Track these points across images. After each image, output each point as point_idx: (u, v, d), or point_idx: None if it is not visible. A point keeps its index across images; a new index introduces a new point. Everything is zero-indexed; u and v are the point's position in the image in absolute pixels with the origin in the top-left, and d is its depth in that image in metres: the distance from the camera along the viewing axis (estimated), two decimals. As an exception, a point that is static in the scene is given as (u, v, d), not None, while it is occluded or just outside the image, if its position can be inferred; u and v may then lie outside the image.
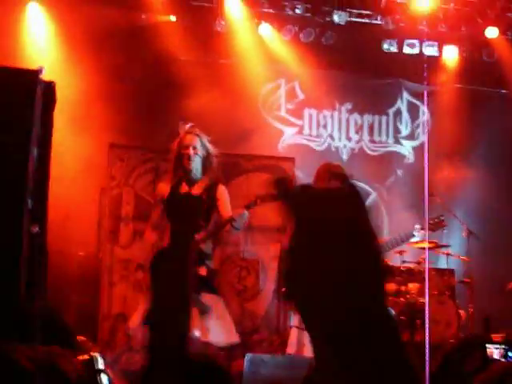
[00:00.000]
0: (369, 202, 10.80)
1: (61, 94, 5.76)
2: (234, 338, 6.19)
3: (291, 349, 6.83)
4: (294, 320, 6.94)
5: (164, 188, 6.35)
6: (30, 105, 5.17)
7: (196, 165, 6.26)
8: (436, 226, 8.66)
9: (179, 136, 6.34)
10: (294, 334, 6.90)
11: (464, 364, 6.24)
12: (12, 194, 5.15)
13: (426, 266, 8.22)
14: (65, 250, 8.64)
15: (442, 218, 8.74)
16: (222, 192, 6.35)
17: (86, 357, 4.11)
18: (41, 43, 9.94)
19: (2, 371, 3.10)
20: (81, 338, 5.50)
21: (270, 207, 7.62)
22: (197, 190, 6.22)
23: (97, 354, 4.42)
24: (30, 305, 5.13)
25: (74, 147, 9.08)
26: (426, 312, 7.27)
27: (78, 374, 3.22)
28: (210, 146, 6.35)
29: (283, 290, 8.56)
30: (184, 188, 6.26)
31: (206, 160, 6.31)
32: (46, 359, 3.06)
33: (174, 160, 6.31)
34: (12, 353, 3.09)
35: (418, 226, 8.39)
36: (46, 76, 5.57)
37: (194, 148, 6.24)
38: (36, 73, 5.31)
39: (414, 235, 8.45)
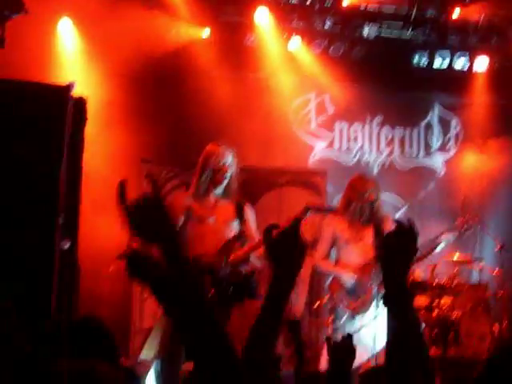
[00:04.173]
0: (400, 215, 10.77)
1: (91, 109, 5.81)
2: None
3: (324, 364, 6.73)
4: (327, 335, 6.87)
5: (187, 198, 6.25)
6: (61, 120, 5.21)
7: (226, 181, 6.22)
8: (462, 225, 8.33)
9: (210, 149, 6.27)
10: (326, 351, 6.82)
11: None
12: (44, 209, 5.18)
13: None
14: (96, 264, 8.64)
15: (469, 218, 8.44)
16: (250, 213, 6.35)
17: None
18: (72, 58, 10.01)
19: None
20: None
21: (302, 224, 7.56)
22: (226, 212, 6.20)
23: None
24: (61, 319, 5.15)
25: (104, 162, 9.10)
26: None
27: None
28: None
29: (316, 305, 8.59)
30: (212, 207, 6.20)
31: (234, 178, 6.27)
32: (88, 371, 3.05)
33: (201, 174, 6.22)
34: (54, 366, 3.08)
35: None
36: (77, 91, 5.61)
37: (227, 164, 6.20)
38: (67, 88, 5.35)
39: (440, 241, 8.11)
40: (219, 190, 6.23)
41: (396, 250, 2.86)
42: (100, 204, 8.77)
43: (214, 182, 6.20)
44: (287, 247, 2.90)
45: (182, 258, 2.46)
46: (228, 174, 6.20)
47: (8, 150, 5.07)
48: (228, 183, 6.23)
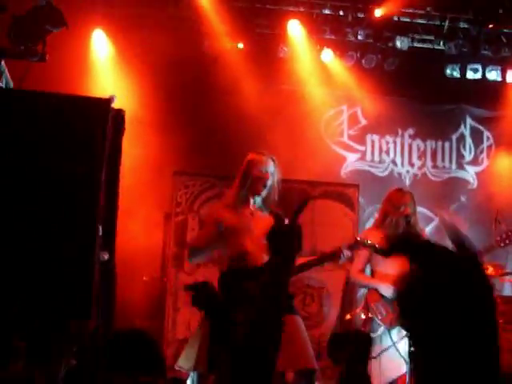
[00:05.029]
0: (431, 228, 10.73)
1: (126, 120, 5.85)
2: (301, 365, 5.70)
3: (377, 381, 6.64)
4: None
5: (221, 210, 5.96)
6: (102, 134, 5.24)
7: (266, 191, 5.94)
8: (503, 241, 8.22)
9: (251, 158, 5.99)
10: None
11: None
12: (84, 221, 5.21)
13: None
14: (129, 274, 8.68)
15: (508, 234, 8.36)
16: None
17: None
18: (106, 70, 10.11)
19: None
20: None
21: (335, 236, 7.65)
22: (264, 224, 6.01)
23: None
24: (101, 331, 5.19)
25: (140, 173, 9.16)
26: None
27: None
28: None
29: (348, 317, 8.59)
30: (248, 219, 5.89)
31: (275, 187, 5.99)
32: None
33: (241, 183, 5.91)
34: (99, 379, 3.13)
35: None
36: (115, 104, 5.66)
37: (269, 172, 5.93)
38: (108, 102, 5.39)
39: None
40: (258, 199, 5.97)
41: None
42: (134, 215, 8.86)
43: (254, 191, 5.92)
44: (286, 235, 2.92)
45: None
46: (269, 183, 5.91)
47: (50, 163, 5.12)
48: (268, 193, 5.96)
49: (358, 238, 6.23)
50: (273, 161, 5.99)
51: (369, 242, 6.31)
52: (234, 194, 5.98)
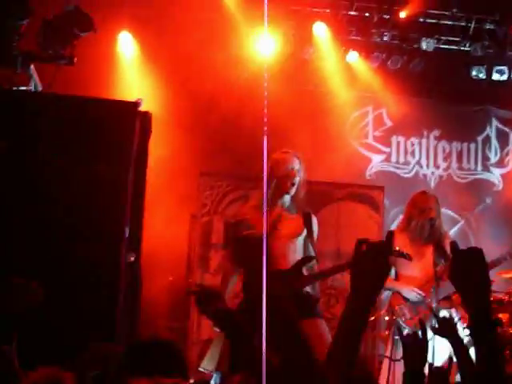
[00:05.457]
0: (456, 230, 10.73)
1: (152, 122, 5.90)
2: None
3: (382, 380, 6.69)
4: (386, 350, 6.85)
5: (248, 212, 5.90)
6: (130, 137, 5.31)
7: (294, 189, 5.86)
8: None
9: (277, 157, 5.90)
10: (385, 366, 6.79)
11: None
12: (111, 223, 5.28)
13: None
14: (155, 275, 8.73)
15: None
16: (316, 225, 6.02)
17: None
18: (132, 71, 10.17)
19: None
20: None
21: (358, 237, 7.56)
22: (292, 225, 5.93)
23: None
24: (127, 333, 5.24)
25: (165, 175, 9.20)
26: None
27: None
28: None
29: (372, 318, 8.58)
30: (276, 221, 5.81)
31: (302, 186, 5.92)
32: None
33: (268, 183, 5.72)
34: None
35: None
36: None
37: (296, 169, 5.86)
38: (135, 105, 5.46)
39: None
40: (286, 199, 5.89)
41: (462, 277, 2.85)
42: (159, 216, 8.91)
43: (282, 190, 5.84)
44: (375, 261, 2.86)
45: None
46: (297, 180, 5.84)
47: (77, 165, 5.18)
48: (296, 192, 5.88)
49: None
50: (298, 158, 5.95)
51: (397, 248, 6.31)
52: (260, 195, 5.93)
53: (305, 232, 5.95)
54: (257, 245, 5.77)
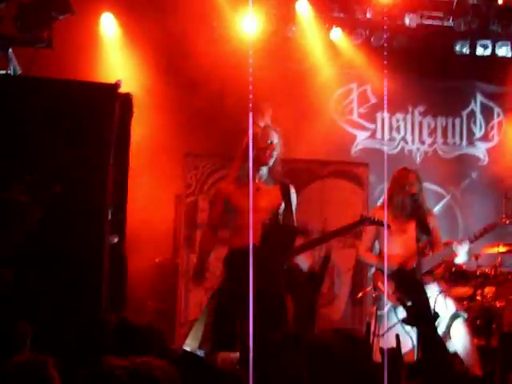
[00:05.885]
0: (442, 205, 10.77)
1: (135, 104, 5.89)
2: None
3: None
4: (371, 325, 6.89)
5: (227, 187, 6.06)
6: (110, 119, 5.30)
7: (272, 161, 5.96)
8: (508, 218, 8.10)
9: (255, 131, 5.94)
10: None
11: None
12: (93, 205, 5.28)
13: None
14: (141, 256, 8.74)
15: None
16: (294, 196, 6.10)
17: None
18: (115, 53, 10.12)
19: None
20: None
21: (344, 215, 7.67)
22: (271, 197, 6.01)
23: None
24: (110, 315, 5.25)
25: (149, 156, 9.19)
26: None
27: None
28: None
29: (360, 294, 8.63)
30: (254, 194, 5.83)
31: (279, 159, 6.03)
32: (142, 370, 3.14)
33: (244, 156, 5.89)
34: (107, 364, 3.18)
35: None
36: (122, 88, 5.70)
37: (275, 144, 5.96)
38: (115, 87, 5.44)
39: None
40: (264, 171, 6.00)
41: None
42: (144, 198, 8.91)
43: (260, 162, 5.95)
44: None
45: None
46: (275, 153, 5.96)
47: (57, 148, 5.17)
48: (274, 164, 5.99)
49: (364, 216, 6.29)
50: (277, 133, 6.05)
51: (376, 219, 6.39)
52: (237, 168, 6.02)
53: (283, 204, 6.02)
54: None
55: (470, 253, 7.33)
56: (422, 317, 3.22)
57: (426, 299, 6.29)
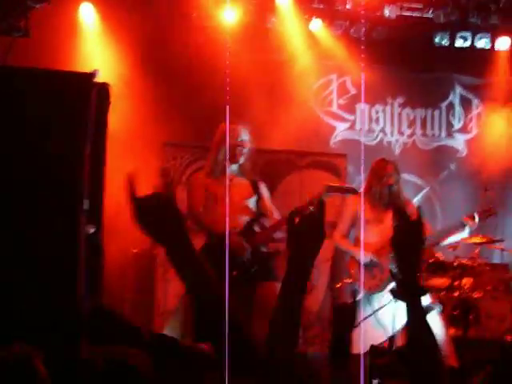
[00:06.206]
0: (421, 196, 10.79)
1: (114, 94, 5.85)
2: None
3: (356, 348, 6.64)
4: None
5: (203, 177, 6.49)
6: (85, 108, 5.24)
7: (243, 159, 6.42)
8: (485, 213, 8.21)
9: (225, 128, 6.36)
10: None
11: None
12: (69, 195, 5.23)
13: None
14: (118, 247, 8.70)
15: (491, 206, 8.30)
16: (265, 189, 6.54)
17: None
18: (94, 43, 10.06)
19: (77, 372, 3.19)
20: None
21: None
22: (243, 189, 6.32)
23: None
24: (87, 305, 5.22)
25: (127, 146, 9.15)
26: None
27: (151, 372, 3.30)
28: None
29: (337, 285, 8.63)
30: (228, 185, 6.27)
31: (250, 156, 6.48)
32: (119, 358, 3.14)
33: (218, 151, 6.41)
34: (84, 353, 3.17)
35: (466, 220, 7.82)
36: (100, 78, 5.65)
37: (245, 141, 6.42)
38: (91, 76, 5.39)
39: (463, 225, 7.82)
40: (234, 167, 6.41)
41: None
42: (123, 189, 8.85)
43: (231, 159, 6.35)
44: (310, 230, 2.89)
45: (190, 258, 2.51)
46: (245, 151, 6.40)
47: (32, 139, 5.13)
48: (244, 161, 6.43)
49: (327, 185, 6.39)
50: (247, 130, 6.50)
51: (337, 185, 6.51)
52: (212, 162, 6.48)
53: (255, 196, 6.46)
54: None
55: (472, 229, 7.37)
56: (413, 290, 3.21)
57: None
